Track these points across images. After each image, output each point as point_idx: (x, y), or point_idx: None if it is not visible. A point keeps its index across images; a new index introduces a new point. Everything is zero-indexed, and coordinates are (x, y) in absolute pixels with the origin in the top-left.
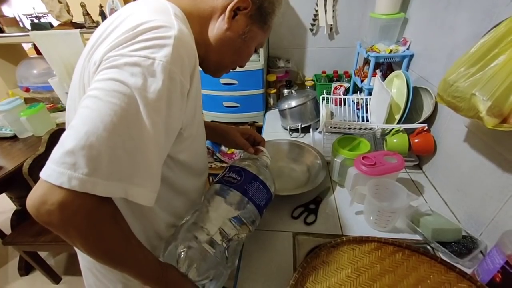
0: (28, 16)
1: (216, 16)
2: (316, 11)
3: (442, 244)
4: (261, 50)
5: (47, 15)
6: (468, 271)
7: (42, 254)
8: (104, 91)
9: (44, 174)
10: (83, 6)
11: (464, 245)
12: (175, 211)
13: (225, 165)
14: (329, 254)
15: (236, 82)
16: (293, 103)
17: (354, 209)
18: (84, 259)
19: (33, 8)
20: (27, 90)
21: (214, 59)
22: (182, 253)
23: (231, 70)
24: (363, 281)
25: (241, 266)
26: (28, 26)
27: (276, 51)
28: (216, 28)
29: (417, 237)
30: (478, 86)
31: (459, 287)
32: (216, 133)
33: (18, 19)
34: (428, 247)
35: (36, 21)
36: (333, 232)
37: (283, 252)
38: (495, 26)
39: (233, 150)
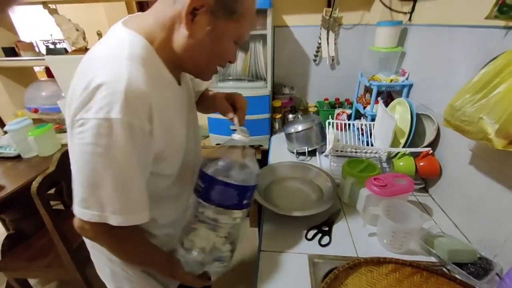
0: (44, 42)
1: (177, 25)
2: (319, 43)
3: (458, 266)
4: (269, 78)
5: (63, 42)
6: None
7: (32, 282)
8: (87, 155)
9: (76, 212)
10: (99, 34)
11: (480, 267)
12: (166, 215)
13: None
14: (347, 276)
15: None
16: (300, 127)
17: (367, 231)
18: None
19: (51, 35)
20: (36, 111)
21: (190, 67)
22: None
23: (219, 67)
24: None
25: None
26: (43, 51)
27: (281, 79)
28: (180, 37)
29: (432, 259)
30: (485, 111)
31: None
32: (210, 103)
33: (34, 45)
34: (444, 269)
35: (51, 46)
36: (348, 254)
37: (299, 274)
38: (493, 59)
39: None
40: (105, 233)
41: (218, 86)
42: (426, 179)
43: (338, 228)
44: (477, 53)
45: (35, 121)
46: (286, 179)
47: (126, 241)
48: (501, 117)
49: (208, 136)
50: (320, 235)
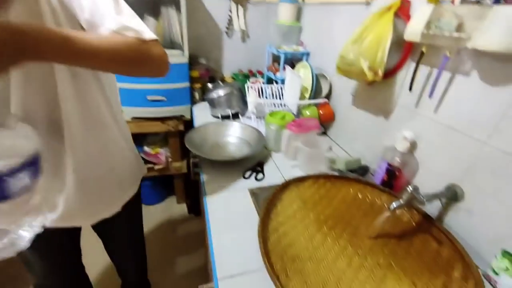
0: None
1: None
2: (230, 16)
3: (352, 172)
4: (185, 45)
5: None
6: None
7: None
8: None
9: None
10: None
11: (364, 169)
12: None
13: (150, 166)
14: (282, 193)
15: None
16: (222, 92)
17: (291, 165)
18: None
19: None
20: None
21: None
22: None
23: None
24: (309, 207)
25: (211, 226)
26: None
27: (195, 50)
28: None
29: (335, 173)
30: (360, 55)
31: (368, 189)
32: None
33: None
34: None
35: None
36: (279, 182)
37: (245, 204)
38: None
39: (157, 150)
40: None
41: None
42: (326, 125)
43: (268, 167)
44: (352, 22)
45: None
46: (216, 136)
47: None
48: (369, 57)
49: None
50: (255, 173)
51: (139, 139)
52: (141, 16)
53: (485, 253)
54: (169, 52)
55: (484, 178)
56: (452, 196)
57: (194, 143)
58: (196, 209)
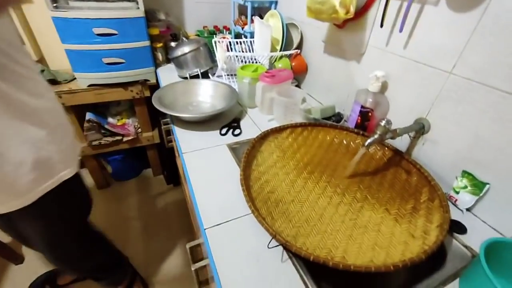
0: None
1: None
2: None
3: (327, 120)
4: None
5: None
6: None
7: None
8: None
9: None
10: None
11: (338, 116)
12: None
13: (118, 138)
14: (261, 145)
15: (116, 32)
16: (187, 49)
17: (266, 118)
18: None
19: None
20: None
21: None
22: None
23: None
24: (289, 156)
25: (192, 181)
26: None
27: (152, 3)
28: None
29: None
30: None
31: (343, 134)
32: None
33: None
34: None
35: None
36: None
37: (224, 160)
38: None
39: (124, 120)
40: None
41: (71, 7)
42: (298, 77)
43: (244, 123)
44: None
45: None
46: (186, 95)
47: None
48: None
49: (74, 79)
50: (231, 130)
51: (102, 110)
52: None
53: (448, 178)
54: (119, 4)
55: (448, 107)
56: (419, 129)
57: (163, 103)
58: (175, 178)
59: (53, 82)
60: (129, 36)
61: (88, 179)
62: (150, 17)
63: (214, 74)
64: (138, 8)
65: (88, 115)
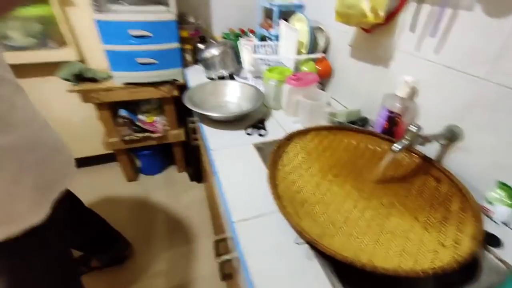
0: None
1: None
2: None
3: (352, 124)
4: (171, 1)
5: None
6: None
7: None
8: None
9: None
10: None
11: (364, 120)
12: None
13: (147, 135)
14: (286, 146)
15: (150, 34)
16: (216, 51)
17: (291, 120)
18: None
19: None
20: None
21: None
22: None
23: None
24: (314, 158)
25: (222, 182)
26: None
27: (182, 7)
28: None
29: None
30: None
31: (369, 138)
32: None
33: None
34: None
35: None
36: (282, 137)
37: (251, 159)
38: None
39: (153, 118)
40: None
41: (111, 10)
42: (323, 81)
43: (270, 124)
44: None
45: None
46: (214, 96)
47: None
48: None
49: (109, 77)
50: (257, 129)
51: (132, 108)
52: None
53: (481, 187)
54: (153, 8)
55: (482, 115)
56: (451, 136)
57: (194, 103)
58: (198, 176)
59: (93, 80)
60: (162, 38)
61: (119, 171)
62: (180, 20)
63: (240, 75)
64: (171, 12)
65: (121, 112)
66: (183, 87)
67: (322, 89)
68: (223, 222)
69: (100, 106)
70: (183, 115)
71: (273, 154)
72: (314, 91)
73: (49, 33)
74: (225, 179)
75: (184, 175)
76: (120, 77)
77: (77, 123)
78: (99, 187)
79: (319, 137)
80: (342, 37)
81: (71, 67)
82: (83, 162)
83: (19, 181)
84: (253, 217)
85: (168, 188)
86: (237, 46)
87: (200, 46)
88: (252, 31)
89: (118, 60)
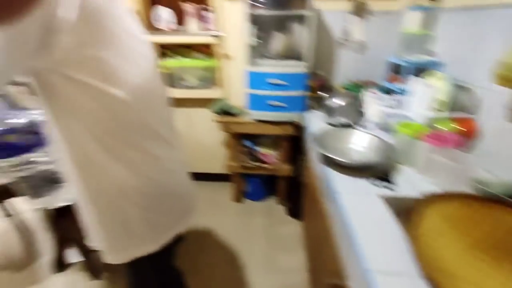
0: None
1: None
2: (347, 28)
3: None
4: (308, 57)
5: None
6: None
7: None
8: None
9: None
10: None
11: None
12: None
13: (261, 165)
14: (425, 207)
15: (285, 83)
16: (343, 101)
17: (422, 179)
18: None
19: None
20: None
21: None
22: None
23: None
24: (454, 225)
25: (353, 224)
26: None
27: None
28: None
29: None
30: None
31: None
32: None
33: None
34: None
35: None
36: (412, 194)
37: (378, 209)
38: None
39: (268, 151)
40: None
41: (258, 63)
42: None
43: (397, 178)
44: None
45: None
46: (340, 141)
47: None
48: None
49: (242, 113)
50: (381, 181)
51: (254, 140)
52: (270, 33)
53: None
54: (292, 62)
55: None
56: None
57: (321, 145)
58: (296, 212)
59: (227, 113)
60: (292, 86)
61: (228, 192)
62: (309, 72)
63: (361, 125)
64: (305, 66)
65: (246, 142)
66: (299, 128)
67: (465, 152)
68: (343, 267)
69: (231, 134)
70: (295, 152)
71: (411, 216)
72: (457, 153)
73: (209, 77)
74: (356, 221)
75: (283, 208)
76: (254, 115)
77: (208, 144)
78: (208, 201)
79: (465, 205)
80: (494, 97)
81: (221, 103)
82: (203, 177)
83: (145, 218)
84: (394, 273)
85: (267, 217)
86: (359, 97)
87: (322, 94)
88: (373, 83)
89: (255, 101)
